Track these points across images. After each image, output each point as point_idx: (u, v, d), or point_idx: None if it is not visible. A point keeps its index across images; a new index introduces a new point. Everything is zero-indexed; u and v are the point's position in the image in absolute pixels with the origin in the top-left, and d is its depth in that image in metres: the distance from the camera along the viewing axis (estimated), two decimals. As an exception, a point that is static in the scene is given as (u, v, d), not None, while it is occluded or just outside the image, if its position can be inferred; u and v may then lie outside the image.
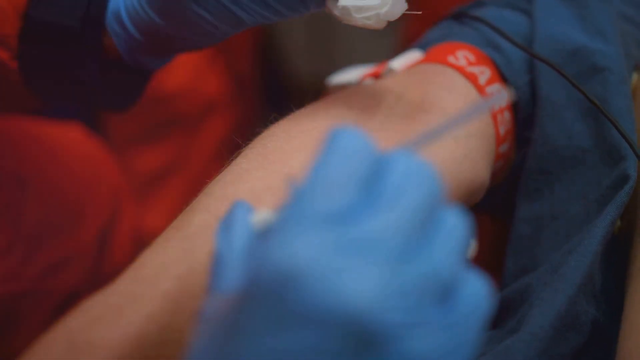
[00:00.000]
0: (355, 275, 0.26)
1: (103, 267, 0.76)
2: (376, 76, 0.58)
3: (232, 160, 0.48)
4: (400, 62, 0.57)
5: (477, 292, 0.29)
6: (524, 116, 0.57)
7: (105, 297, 0.40)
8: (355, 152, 0.29)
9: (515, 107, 0.57)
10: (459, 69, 0.54)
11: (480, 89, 0.54)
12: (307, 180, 0.29)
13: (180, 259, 0.41)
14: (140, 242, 0.84)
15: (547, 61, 0.54)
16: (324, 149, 0.29)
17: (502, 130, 0.54)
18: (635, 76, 0.58)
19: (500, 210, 0.62)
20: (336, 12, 0.48)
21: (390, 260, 0.27)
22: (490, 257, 0.61)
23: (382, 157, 0.30)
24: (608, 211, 0.49)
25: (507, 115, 0.55)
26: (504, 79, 0.56)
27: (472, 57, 0.55)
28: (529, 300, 0.49)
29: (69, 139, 0.79)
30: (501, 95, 0.34)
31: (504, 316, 0.51)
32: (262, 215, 0.33)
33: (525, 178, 0.55)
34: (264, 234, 0.30)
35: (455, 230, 0.29)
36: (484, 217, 0.69)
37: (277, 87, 1.41)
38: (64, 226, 0.71)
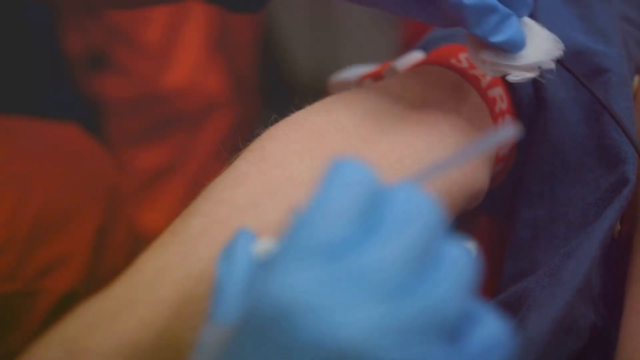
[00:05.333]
0: (351, 310, 0.26)
1: (100, 266, 0.76)
2: (377, 76, 0.58)
3: (231, 162, 0.47)
4: (401, 63, 0.57)
5: (493, 332, 0.28)
6: (525, 118, 0.57)
7: (101, 302, 0.39)
8: (356, 185, 0.29)
9: (517, 109, 0.57)
10: (461, 72, 0.54)
11: (481, 92, 0.53)
12: (306, 211, 0.29)
13: (177, 264, 0.40)
14: (138, 242, 0.84)
15: (559, 60, 0.54)
16: (324, 179, 0.29)
17: None
18: (636, 79, 0.57)
19: (499, 212, 0.62)
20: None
21: (387, 295, 0.27)
22: (489, 260, 0.61)
23: (383, 189, 0.30)
24: (607, 215, 0.49)
25: (508, 118, 0.55)
26: (506, 81, 0.56)
27: (474, 59, 0.55)
28: (527, 304, 0.49)
29: (66, 137, 0.79)
30: (507, 130, 0.34)
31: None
32: (264, 244, 0.33)
33: (527, 181, 0.55)
34: (265, 265, 0.29)
35: (457, 264, 0.28)
36: (483, 219, 0.69)
37: (277, 86, 1.41)
38: (60, 225, 0.71)
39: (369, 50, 1.35)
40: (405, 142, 0.49)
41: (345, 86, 0.59)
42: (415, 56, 0.58)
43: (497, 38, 0.46)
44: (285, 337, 0.26)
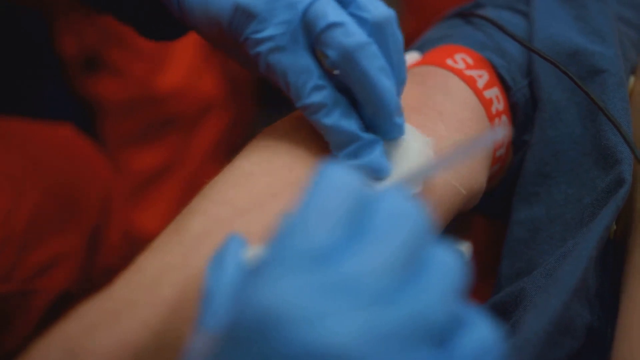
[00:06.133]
0: (336, 318, 0.26)
1: (94, 267, 0.76)
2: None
3: (231, 160, 0.47)
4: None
5: (484, 337, 0.28)
6: (522, 119, 0.57)
7: (102, 303, 0.39)
8: (343, 191, 0.29)
9: (513, 110, 0.57)
10: (457, 72, 0.54)
11: (478, 93, 0.54)
12: (294, 217, 0.29)
13: (178, 265, 0.40)
14: (133, 243, 0.84)
15: (553, 61, 0.54)
16: (312, 185, 0.29)
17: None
18: (632, 79, 0.58)
19: (496, 212, 0.62)
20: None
21: (373, 302, 0.26)
22: (486, 260, 0.61)
23: (370, 195, 0.30)
24: (603, 215, 0.49)
25: (504, 119, 0.55)
26: (502, 82, 0.56)
27: (470, 60, 0.55)
28: (523, 304, 0.49)
29: (61, 138, 0.78)
30: (497, 133, 0.34)
31: (498, 321, 0.51)
32: (253, 251, 0.33)
33: (523, 181, 0.55)
34: (254, 271, 0.29)
35: (445, 269, 0.28)
36: (480, 219, 0.69)
37: (272, 87, 1.41)
38: (55, 226, 0.71)
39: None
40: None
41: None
42: (412, 57, 0.58)
43: (352, 162, 0.45)
44: (271, 344, 0.26)
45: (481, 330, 0.28)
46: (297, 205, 0.29)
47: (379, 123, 0.45)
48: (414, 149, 0.47)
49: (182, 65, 1.11)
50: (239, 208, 0.43)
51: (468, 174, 0.50)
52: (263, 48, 0.44)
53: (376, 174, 0.46)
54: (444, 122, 0.51)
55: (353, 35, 0.42)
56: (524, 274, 0.52)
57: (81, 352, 0.37)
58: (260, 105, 1.34)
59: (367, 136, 0.45)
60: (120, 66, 1.09)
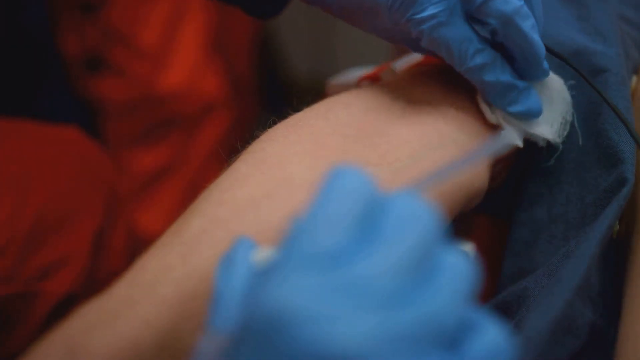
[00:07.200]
0: (346, 320, 0.26)
1: (99, 268, 0.76)
2: (375, 78, 0.58)
3: (231, 163, 0.47)
4: (400, 64, 0.57)
5: (494, 340, 0.28)
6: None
7: (103, 302, 0.39)
8: (354, 193, 0.29)
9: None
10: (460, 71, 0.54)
11: (481, 91, 0.54)
12: (305, 219, 0.29)
13: (177, 264, 0.41)
14: (136, 244, 0.84)
15: (564, 58, 0.54)
16: (323, 188, 0.29)
17: None
18: (634, 78, 0.58)
19: (498, 212, 0.62)
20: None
21: (383, 304, 0.26)
22: (488, 260, 0.61)
23: (381, 197, 0.30)
24: (606, 214, 0.49)
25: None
26: None
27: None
28: (526, 304, 0.49)
29: (65, 139, 0.79)
30: (502, 140, 0.34)
31: (500, 320, 0.51)
32: (263, 253, 0.33)
33: (526, 181, 0.55)
34: (264, 273, 0.29)
35: (455, 272, 0.28)
36: (483, 218, 0.69)
37: (275, 88, 1.41)
38: (59, 227, 0.71)
39: (367, 51, 1.35)
40: (404, 143, 0.49)
41: (344, 88, 0.59)
42: (414, 57, 0.58)
43: (514, 109, 0.51)
44: (281, 345, 0.26)
45: (491, 334, 0.28)
46: (309, 207, 0.29)
47: (530, 71, 0.51)
48: (556, 86, 0.54)
49: (184, 65, 1.12)
50: (236, 208, 0.43)
51: (470, 173, 0.50)
52: (426, 26, 0.48)
53: (533, 115, 0.52)
54: (445, 120, 0.51)
55: (510, 2, 0.48)
56: (527, 273, 0.52)
57: (81, 351, 0.37)
58: (263, 105, 1.35)
59: (522, 84, 0.51)
60: (122, 66, 1.09)
